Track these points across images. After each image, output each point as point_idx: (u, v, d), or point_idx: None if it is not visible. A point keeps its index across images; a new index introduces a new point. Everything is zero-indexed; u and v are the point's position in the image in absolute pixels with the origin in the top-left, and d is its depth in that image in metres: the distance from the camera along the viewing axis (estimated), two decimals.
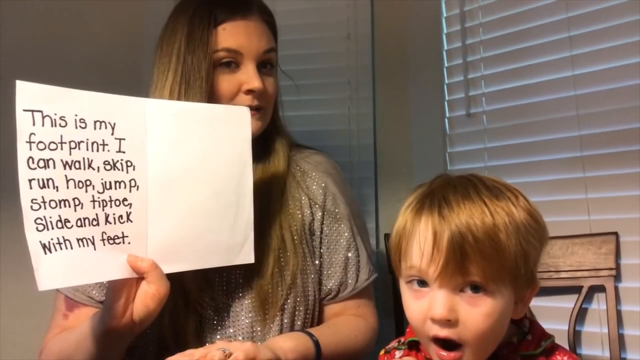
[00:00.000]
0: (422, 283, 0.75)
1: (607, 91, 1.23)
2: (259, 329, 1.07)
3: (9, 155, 1.53)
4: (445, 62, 1.54)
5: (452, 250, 0.71)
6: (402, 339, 0.89)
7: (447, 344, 0.74)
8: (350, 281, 1.15)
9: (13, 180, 1.51)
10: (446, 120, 1.53)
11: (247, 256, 1.02)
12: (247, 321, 1.07)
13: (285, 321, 1.08)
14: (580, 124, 1.26)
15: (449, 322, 0.72)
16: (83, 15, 1.64)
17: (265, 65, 1.12)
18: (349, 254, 1.15)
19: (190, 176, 0.97)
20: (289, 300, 1.08)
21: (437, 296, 0.73)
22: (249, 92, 1.09)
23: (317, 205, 1.15)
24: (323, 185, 1.17)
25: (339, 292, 1.15)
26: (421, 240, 0.74)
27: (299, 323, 1.10)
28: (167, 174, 0.95)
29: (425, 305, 0.74)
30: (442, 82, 1.54)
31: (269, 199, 1.12)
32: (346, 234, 1.16)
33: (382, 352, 0.91)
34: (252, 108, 1.07)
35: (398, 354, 0.88)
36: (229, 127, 1.01)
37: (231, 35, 1.09)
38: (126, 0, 1.65)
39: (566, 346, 1.18)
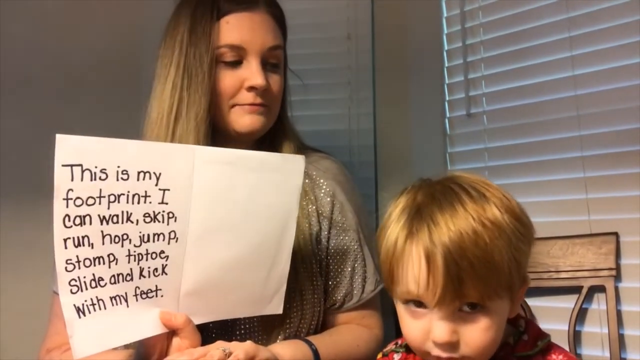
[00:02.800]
0: (419, 304, 0.74)
1: (607, 91, 1.23)
2: (262, 343, 1.03)
3: (9, 155, 1.54)
4: (445, 63, 1.54)
5: (448, 279, 0.70)
6: (400, 341, 0.89)
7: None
8: (355, 292, 1.13)
9: (13, 180, 1.52)
10: (446, 121, 1.53)
11: (276, 308, 0.98)
12: (250, 339, 1.03)
13: (288, 332, 1.06)
14: (580, 124, 1.26)
15: (451, 344, 0.72)
16: (83, 15, 1.64)
17: (270, 63, 1.09)
18: (356, 265, 1.13)
19: (233, 228, 0.91)
20: (294, 314, 1.06)
21: (438, 321, 0.72)
22: (251, 89, 1.06)
23: (323, 215, 1.13)
24: (331, 193, 1.14)
25: (344, 302, 1.13)
26: (415, 270, 0.72)
27: (302, 334, 1.08)
28: (209, 226, 0.89)
29: (425, 326, 0.74)
30: (443, 83, 1.53)
31: None
32: (353, 245, 1.13)
33: (379, 355, 0.91)
34: (255, 105, 1.06)
35: (396, 356, 0.88)
36: (280, 175, 0.94)
37: (234, 29, 1.06)
38: (126, 0, 1.65)
39: (566, 346, 1.18)
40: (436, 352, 0.74)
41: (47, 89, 1.59)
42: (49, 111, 1.57)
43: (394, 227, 0.76)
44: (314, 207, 1.12)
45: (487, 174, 1.42)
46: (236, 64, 1.06)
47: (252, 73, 1.05)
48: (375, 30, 1.61)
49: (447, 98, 1.53)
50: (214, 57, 1.04)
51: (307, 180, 1.13)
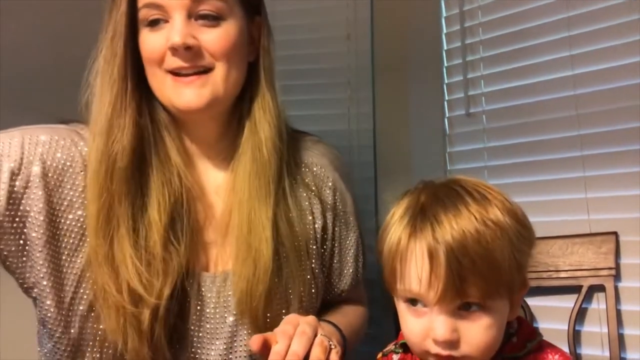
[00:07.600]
0: (419, 302, 0.75)
1: (607, 91, 1.23)
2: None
3: None
4: (444, 62, 1.54)
5: (450, 276, 0.71)
6: (398, 341, 0.89)
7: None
8: (359, 277, 1.14)
9: None
10: (446, 120, 1.53)
11: None
12: (244, 339, 1.00)
13: None
14: (580, 123, 1.26)
15: (451, 342, 0.73)
16: (81, 14, 1.64)
17: (203, 16, 0.90)
18: (358, 249, 1.14)
19: None
20: (292, 309, 1.02)
21: (438, 319, 0.73)
22: (173, 50, 0.88)
23: (328, 206, 1.08)
24: (332, 181, 1.09)
25: (350, 287, 1.14)
26: (418, 267, 0.73)
27: None
28: None
29: (425, 324, 0.74)
30: (442, 82, 1.53)
31: (257, 198, 0.96)
32: (354, 230, 1.13)
33: (379, 355, 0.91)
34: (188, 72, 0.89)
35: (395, 357, 0.88)
36: None
37: None
38: None
39: (566, 346, 1.18)
40: (436, 350, 0.74)
41: (47, 88, 1.60)
42: (49, 111, 1.57)
43: (397, 226, 0.77)
44: (317, 200, 1.07)
45: (486, 174, 1.42)
46: (159, 23, 0.90)
47: (170, 31, 0.88)
48: (375, 30, 1.60)
49: (446, 97, 1.53)
50: (128, 23, 0.90)
51: (306, 170, 1.07)
